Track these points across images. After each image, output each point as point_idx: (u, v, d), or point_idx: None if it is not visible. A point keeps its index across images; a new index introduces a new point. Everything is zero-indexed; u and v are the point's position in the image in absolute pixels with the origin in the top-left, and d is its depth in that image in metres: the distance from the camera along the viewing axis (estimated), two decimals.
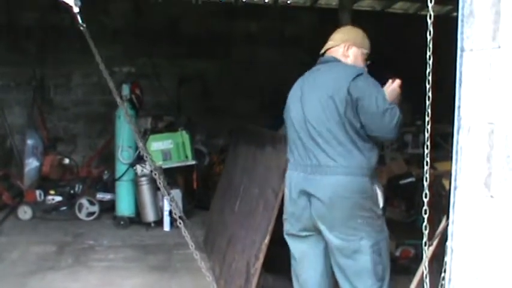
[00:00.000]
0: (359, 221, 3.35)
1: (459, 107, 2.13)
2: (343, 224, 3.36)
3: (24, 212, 7.83)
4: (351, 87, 3.32)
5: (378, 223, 3.41)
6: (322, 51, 3.75)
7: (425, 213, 2.51)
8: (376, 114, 3.28)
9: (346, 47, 3.64)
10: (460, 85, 2.13)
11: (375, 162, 3.40)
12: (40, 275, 5.65)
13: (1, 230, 7.22)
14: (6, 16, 9.21)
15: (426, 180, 2.54)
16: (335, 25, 7.05)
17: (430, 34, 2.46)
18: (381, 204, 3.41)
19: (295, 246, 3.63)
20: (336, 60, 3.62)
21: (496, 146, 1.96)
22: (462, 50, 2.11)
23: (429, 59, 2.50)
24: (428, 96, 2.50)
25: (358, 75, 3.37)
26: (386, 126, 3.29)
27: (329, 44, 3.73)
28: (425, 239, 2.57)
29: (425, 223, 2.56)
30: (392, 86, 3.48)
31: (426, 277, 2.51)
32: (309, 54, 10.18)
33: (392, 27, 9.32)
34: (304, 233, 3.54)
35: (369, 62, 3.73)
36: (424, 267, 2.53)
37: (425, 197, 2.52)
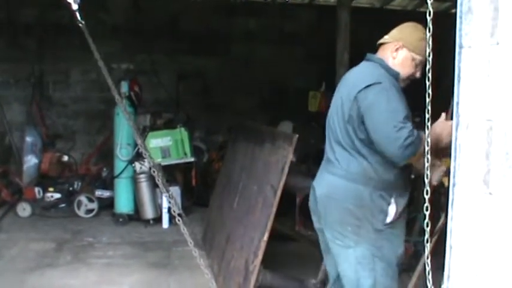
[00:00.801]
0: (349, 228, 3.28)
1: (458, 103, 2.13)
2: (332, 227, 3.34)
3: (23, 209, 7.83)
4: (359, 96, 3.15)
5: (373, 237, 3.25)
6: (378, 43, 3.45)
7: (427, 210, 2.50)
8: (380, 136, 3.07)
9: (395, 47, 3.32)
10: (458, 82, 2.13)
11: (388, 176, 3.20)
12: (39, 271, 5.66)
13: (0, 227, 7.22)
14: (5, 13, 9.19)
15: (427, 177, 2.53)
16: (334, 22, 7.10)
17: (429, 31, 2.46)
18: (388, 220, 3.24)
19: (320, 239, 3.60)
20: (374, 59, 3.36)
21: (495, 143, 1.96)
22: (461, 47, 2.11)
23: (428, 55, 2.50)
24: (428, 93, 2.49)
25: (371, 85, 3.12)
26: (392, 150, 3.03)
27: (383, 38, 3.42)
28: (427, 235, 2.55)
29: (426, 220, 2.54)
30: (448, 123, 3.06)
31: (429, 274, 2.51)
32: (307, 51, 10.23)
33: (391, 24, 9.32)
34: (318, 226, 3.53)
35: (418, 75, 3.30)
36: (426, 264, 2.53)
37: (427, 194, 2.51)
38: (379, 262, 3.28)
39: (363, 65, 3.39)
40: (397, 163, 3.07)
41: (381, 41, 3.40)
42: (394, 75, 3.27)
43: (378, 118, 3.08)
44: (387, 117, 3.03)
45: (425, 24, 2.54)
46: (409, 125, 3.01)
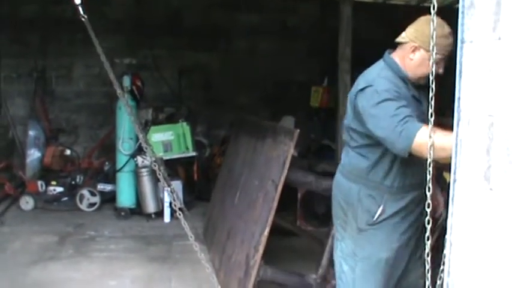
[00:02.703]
0: (338, 221, 3.43)
1: (459, 98, 2.12)
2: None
3: (26, 203, 7.85)
4: (356, 99, 3.16)
5: (358, 236, 3.29)
6: (396, 41, 3.30)
7: (428, 207, 2.49)
8: (381, 134, 3.02)
9: (411, 49, 3.17)
10: (460, 77, 2.12)
11: (381, 178, 3.19)
12: (41, 264, 5.69)
13: (3, 220, 7.24)
14: (8, 8, 9.19)
15: (429, 174, 2.52)
16: (336, 17, 7.08)
17: (433, 25, 2.43)
18: (373, 219, 3.23)
19: None
20: (386, 60, 3.29)
21: (496, 139, 1.96)
22: (462, 42, 2.11)
23: (432, 50, 2.48)
24: (432, 88, 2.48)
25: (364, 88, 3.12)
26: (394, 143, 2.95)
27: (400, 37, 3.24)
28: (428, 233, 2.55)
29: (428, 217, 2.53)
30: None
31: (428, 272, 2.51)
32: (310, 45, 10.20)
33: (394, 19, 9.28)
34: None
35: (441, 71, 3.05)
36: (426, 262, 2.53)
37: (429, 191, 2.50)
38: (359, 263, 3.31)
39: (375, 65, 3.34)
40: (402, 155, 2.96)
41: (398, 40, 3.26)
42: (403, 77, 3.20)
43: (372, 119, 3.05)
44: (379, 117, 3.00)
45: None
46: (402, 116, 2.91)
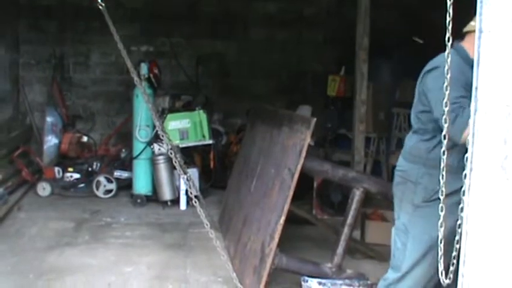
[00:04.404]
0: (396, 200, 3.70)
1: (476, 88, 2.11)
2: None
3: (43, 189, 7.92)
4: (424, 78, 3.40)
5: (413, 213, 3.48)
6: (464, 31, 3.40)
7: (442, 195, 2.51)
8: (437, 115, 3.16)
9: None
10: (477, 66, 2.11)
11: (440, 157, 3.21)
12: (58, 250, 5.74)
13: (21, 206, 7.32)
14: None
15: (443, 162, 2.54)
16: (354, 5, 7.03)
17: (449, 16, 2.43)
18: (429, 196, 3.37)
19: None
20: (455, 47, 3.26)
21: None
22: (480, 31, 2.09)
23: (448, 41, 2.47)
24: (447, 78, 2.48)
25: (433, 68, 3.32)
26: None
27: (469, 25, 3.33)
28: (441, 220, 2.57)
29: (441, 204, 2.58)
30: None
31: (441, 258, 2.53)
32: (327, 34, 10.14)
33: (412, 8, 9.22)
34: None
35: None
36: (439, 249, 2.55)
37: (442, 179, 2.53)
38: (411, 239, 3.45)
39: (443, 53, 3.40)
40: (455, 141, 3.05)
41: (466, 29, 3.36)
42: (472, 64, 3.15)
43: (434, 100, 3.21)
44: (440, 99, 2.92)
45: (445, 9, 2.50)
46: (460, 104, 3.01)
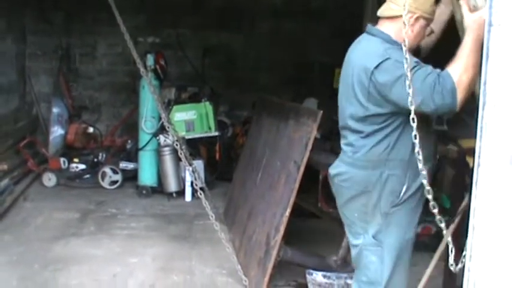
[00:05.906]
0: (356, 215, 3.41)
1: (485, 82, 2.10)
2: None
3: (49, 179, 7.94)
4: (374, 75, 3.02)
5: (384, 222, 3.27)
6: (378, 14, 3.23)
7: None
8: (423, 96, 2.86)
9: (413, 18, 3.05)
10: (486, 60, 2.10)
11: (403, 154, 3.15)
12: (63, 240, 5.76)
13: (26, 196, 7.33)
14: None
15: (417, 147, 2.62)
16: None
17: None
18: (398, 199, 3.23)
19: None
20: (376, 34, 3.19)
21: None
22: (490, 25, 2.07)
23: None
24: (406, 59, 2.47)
25: (382, 62, 2.98)
26: (439, 101, 2.85)
27: (392, 9, 3.13)
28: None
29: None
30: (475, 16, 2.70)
31: (451, 251, 2.51)
32: (333, 27, 10.10)
33: None
34: None
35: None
36: (448, 243, 2.54)
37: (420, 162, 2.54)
38: (386, 249, 3.25)
39: (367, 42, 3.24)
40: (454, 110, 2.86)
41: (390, 13, 3.13)
42: (400, 47, 2.93)
43: (402, 88, 2.85)
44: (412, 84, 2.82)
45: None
46: (433, 75, 2.84)
